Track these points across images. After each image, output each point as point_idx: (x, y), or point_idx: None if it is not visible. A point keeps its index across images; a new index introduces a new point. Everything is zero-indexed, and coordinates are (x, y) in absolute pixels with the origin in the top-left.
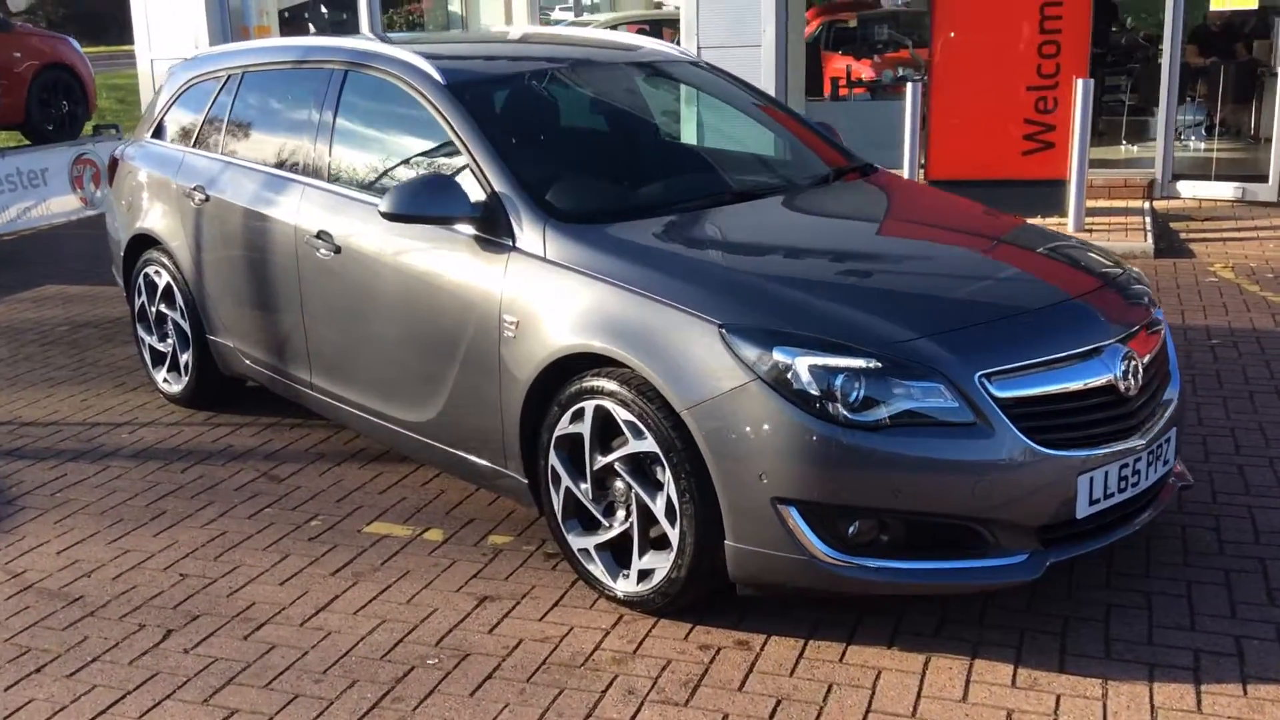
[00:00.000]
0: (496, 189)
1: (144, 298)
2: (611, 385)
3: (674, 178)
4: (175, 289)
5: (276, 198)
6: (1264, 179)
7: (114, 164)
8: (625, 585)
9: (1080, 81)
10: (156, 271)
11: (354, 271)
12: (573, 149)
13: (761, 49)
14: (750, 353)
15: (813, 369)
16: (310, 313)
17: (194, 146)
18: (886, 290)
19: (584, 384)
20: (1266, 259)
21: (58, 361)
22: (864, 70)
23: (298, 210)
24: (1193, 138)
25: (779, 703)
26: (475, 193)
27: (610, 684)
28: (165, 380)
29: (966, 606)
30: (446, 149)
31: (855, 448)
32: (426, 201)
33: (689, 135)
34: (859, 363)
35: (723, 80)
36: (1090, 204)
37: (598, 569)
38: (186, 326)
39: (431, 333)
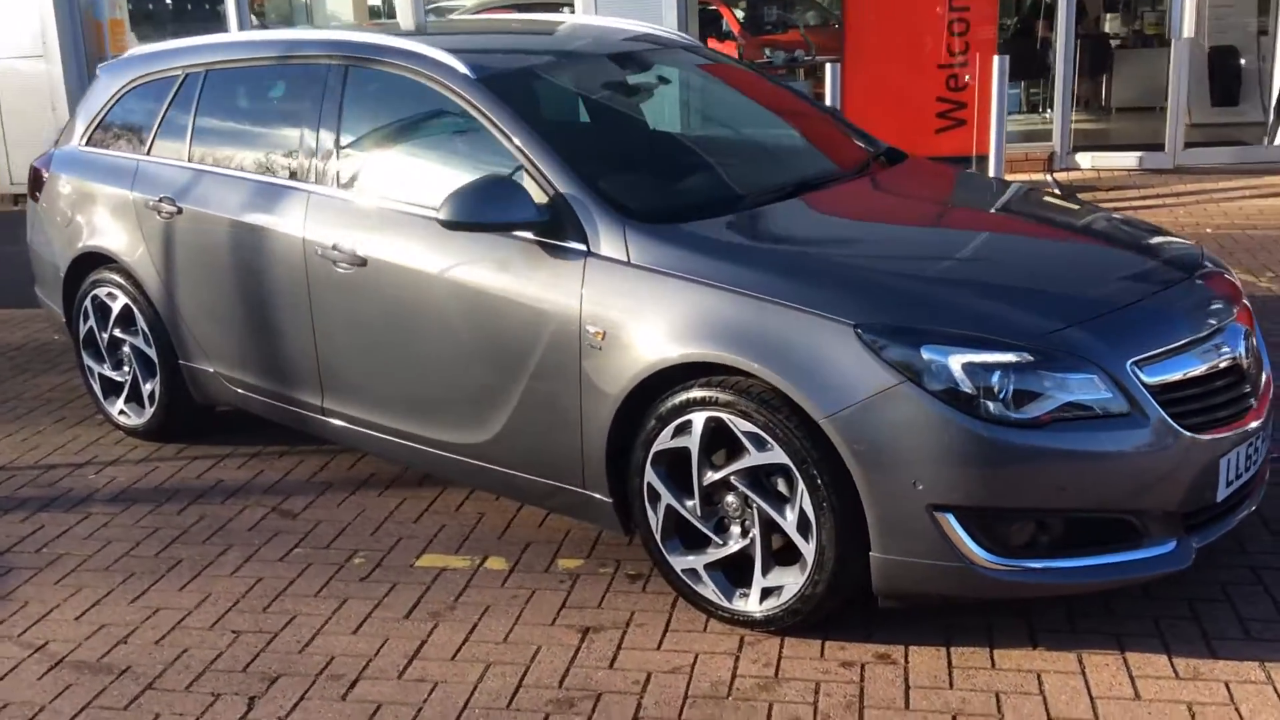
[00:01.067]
0: (561, 190)
1: (92, 322)
2: (726, 395)
3: (729, 170)
4: (136, 311)
5: (273, 208)
6: (1124, 148)
7: (36, 176)
8: (745, 605)
9: (997, 58)
10: (109, 294)
11: (384, 286)
12: (620, 143)
13: None
14: (894, 353)
15: (966, 366)
16: (323, 332)
17: (149, 154)
18: (1011, 280)
19: (690, 395)
20: (1182, 225)
21: None
22: (754, 52)
23: (304, 221)
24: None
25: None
26: (535, 195)
27: (770, 714)
28: (123, 412)
29: (1090, 598)
30: (486, 149)
31: (1018, 446)
32: (490, 207)
33: (714, 125)
34: (1009, 357)
35: (733, 65)
36: None
37: (709, 590)
38: (152, 352)
39: (490, 348)
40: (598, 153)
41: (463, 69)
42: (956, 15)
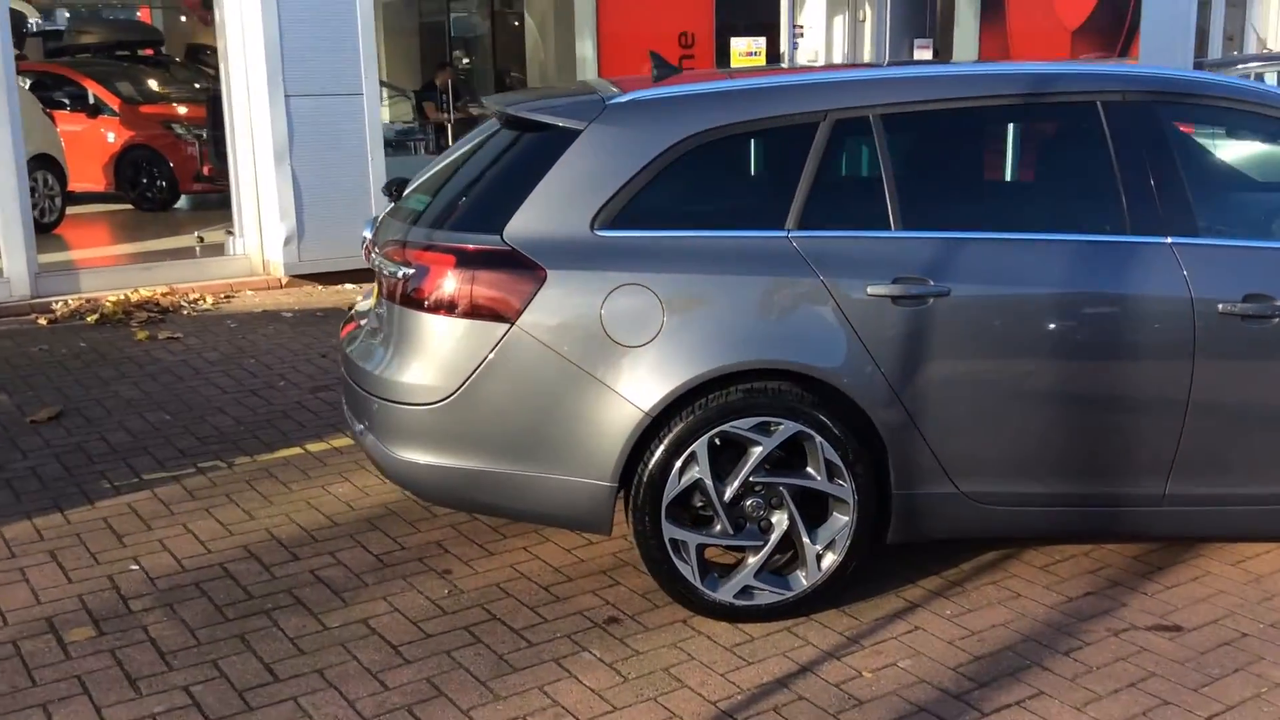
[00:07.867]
0: None
1: (702, 474)
2: None
3: None
4: (819, 441)
5: (1119, 269)
6: None
7: (526, 282)
8: None
9: None
10: (760, 426)
11: None
12: None
13: (365, 97)
14: None
15: None
16: (1205, 402)
17: (803, 228)
18: None
19: None
20: None
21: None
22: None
23: (1172, 279)
24: None
25: None
26: None
27: None
28: (747, 590)
29: None
30: None
31: None
32: None
33: None
34: None
35: None
36: None
37: None
38: (844, 489)
39: None
40: None
41: None
42: None
